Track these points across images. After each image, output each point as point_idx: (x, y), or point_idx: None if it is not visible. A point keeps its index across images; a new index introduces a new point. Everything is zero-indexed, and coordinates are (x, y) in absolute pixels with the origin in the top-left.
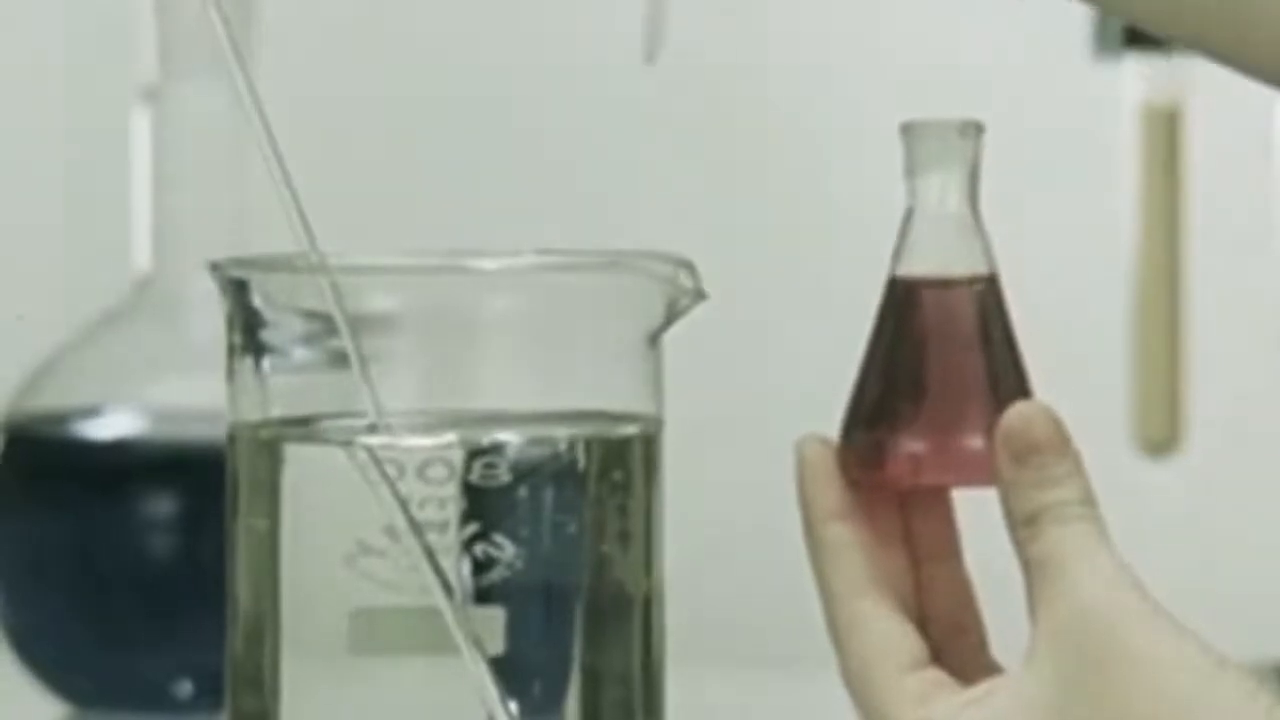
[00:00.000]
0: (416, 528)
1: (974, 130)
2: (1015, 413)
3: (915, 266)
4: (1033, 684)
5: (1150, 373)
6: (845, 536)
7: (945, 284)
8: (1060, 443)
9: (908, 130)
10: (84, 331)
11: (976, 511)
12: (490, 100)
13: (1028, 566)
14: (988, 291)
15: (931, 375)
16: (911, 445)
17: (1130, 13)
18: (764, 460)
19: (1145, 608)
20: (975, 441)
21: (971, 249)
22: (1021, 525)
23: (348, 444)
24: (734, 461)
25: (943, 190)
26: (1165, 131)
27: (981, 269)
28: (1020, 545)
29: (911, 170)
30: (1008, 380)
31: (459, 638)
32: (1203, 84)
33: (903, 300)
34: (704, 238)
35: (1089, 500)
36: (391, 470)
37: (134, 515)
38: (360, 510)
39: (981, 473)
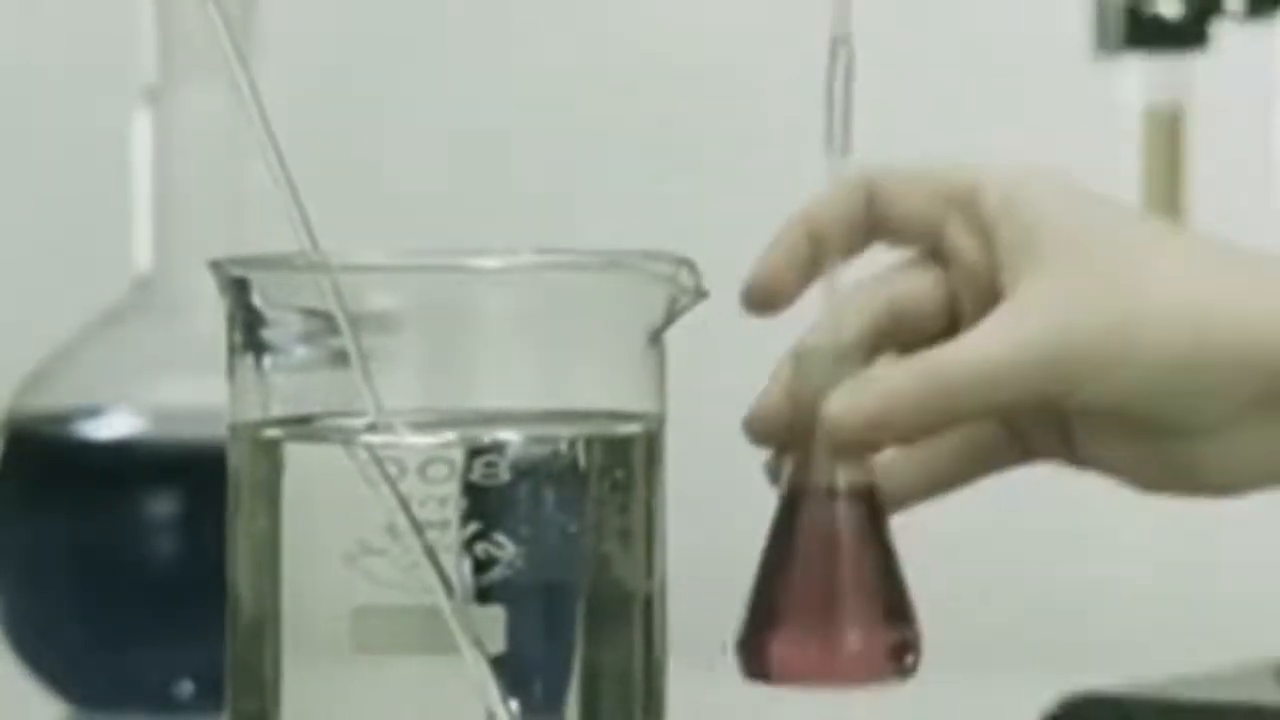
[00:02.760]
0: (417, 526)
1: (858, 350)
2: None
3: (801, 474)
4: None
5: None
6: None
7: (823, 492)
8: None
9: (797, 356)
10: (84, 331)
11: (980, 508)
12: (489, 100)
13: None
14: (865, 501)
15: (806, 579)
16: (783, 648)
17: None
18: (763, 459)
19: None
20: (848, 643)
21: (856, 459)
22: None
23: (348, 443)
24: (734, 461)
25: None
26: (1166, 132)
27: (861, 479)
28: None
29: (804, 387)
30: (883, 586)
31: (459, 637)
32: (1203, 84)
33: (786, 506)
34: (704, 237)
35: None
36: (392, 469)
37: (134, 515)
38: (361, 509)
39: (857, 672)
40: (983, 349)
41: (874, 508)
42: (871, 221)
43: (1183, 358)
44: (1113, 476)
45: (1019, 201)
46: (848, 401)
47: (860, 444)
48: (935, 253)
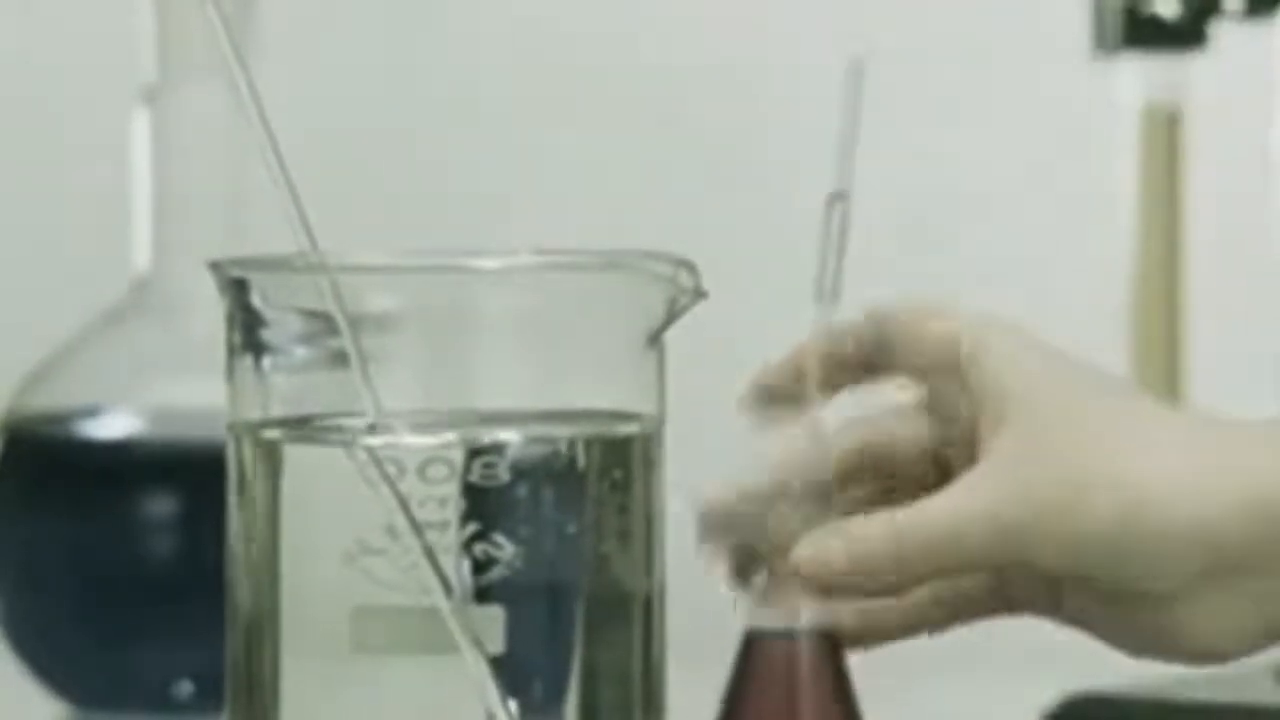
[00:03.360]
0: (417, 527)
1: (833, 490)
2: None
3: (760, 618)
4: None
5: (1150, 373)
6: None
7: (782, 635)
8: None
9: (775, 491)
10: (84, 331)
11: None
12: (490, 100)
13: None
14: (825, 645)
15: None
16: None
17: None
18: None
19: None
20: None
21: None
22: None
23: (348, 444)
24: (734, 461)
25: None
26: (1164, 131)
27: (824, 622)
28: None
29: (779, 528)
30: None
31: (459, 637)
32: (1202, 84)
33: (746, 644)
34: (704, 237)
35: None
36: (391, 470)
37: (134, 515)
38: (360, 509)
39: None
40: (944, 512)
41: (834, 650)
42: (880, 360)
43: (1124, 528)
44: (1100, 640)
45: (984, 354)
46: (816, 550)
47: (827, 590)
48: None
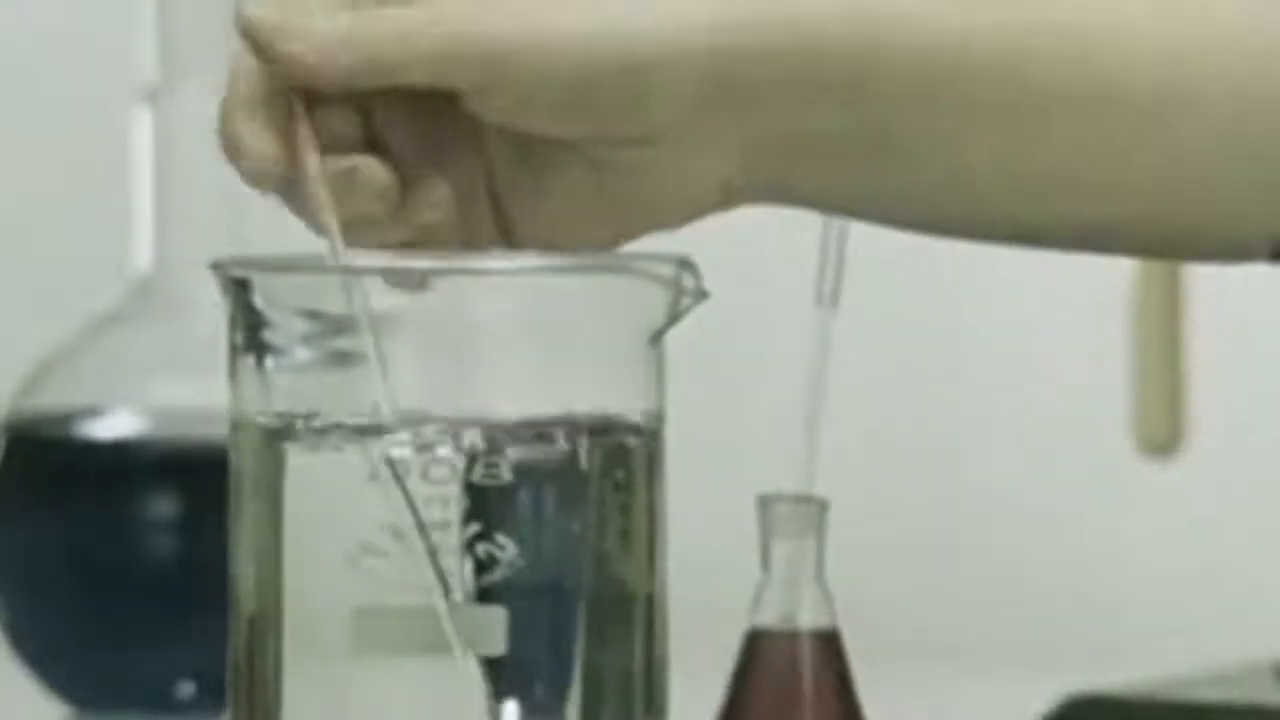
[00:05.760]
0: (422, 527)
1: (819, 505)
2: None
3: (761, 617)
4: None
5: (1151, 373)
6: None
7: (784, 636)
8: None
9: (763, 502)
10: (84, 331)
11: (981, 508)
12: None
13: None
14: (826, 645)
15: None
16: None
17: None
18: (764, 459)
19: None
20: None
21: (816, 604)
22: None
23: (350, 444)
24: (734, 461)
25: (798, 553)
26: None
27: (825, 623)
28: None
29: (766, 536)
30: None
31: (454, 642)
32: None
33: (747, 647)
34: (704, 237)
35: None
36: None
37: (135, 515)
38: (362, 510)
39: None
40: (399, 20)
41: (835, 650)
42: None
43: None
44: (558, 233)
45: None
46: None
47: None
48: None
